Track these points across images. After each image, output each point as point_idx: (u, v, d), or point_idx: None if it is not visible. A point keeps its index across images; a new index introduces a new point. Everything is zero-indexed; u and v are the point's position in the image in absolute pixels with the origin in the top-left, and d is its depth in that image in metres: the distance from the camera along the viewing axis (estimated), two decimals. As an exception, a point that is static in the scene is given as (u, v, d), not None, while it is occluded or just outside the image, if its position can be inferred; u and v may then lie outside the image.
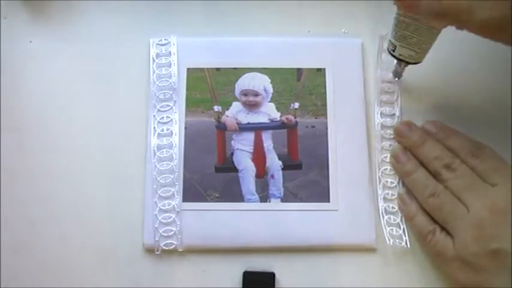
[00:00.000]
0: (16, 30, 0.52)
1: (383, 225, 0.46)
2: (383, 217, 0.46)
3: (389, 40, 0.45)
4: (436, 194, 0.43)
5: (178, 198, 0.46)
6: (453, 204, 0.42)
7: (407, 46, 0.44)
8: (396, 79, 0.49)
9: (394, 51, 0.45)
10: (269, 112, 0.49)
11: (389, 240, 0.45)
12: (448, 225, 0.42)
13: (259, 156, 0.48)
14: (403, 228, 0.45)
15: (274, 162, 0.48)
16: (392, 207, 0.46)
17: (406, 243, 0.45)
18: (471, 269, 0.40)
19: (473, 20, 0.37)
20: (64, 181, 0.47)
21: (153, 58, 0.50)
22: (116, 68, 0.50)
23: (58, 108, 0.49)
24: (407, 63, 0.46)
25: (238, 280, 0.44)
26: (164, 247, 0.45)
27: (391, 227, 0.46)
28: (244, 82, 0.50)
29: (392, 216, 0.46)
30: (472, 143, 0.44)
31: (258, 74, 0.50)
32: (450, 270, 0.42)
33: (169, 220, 0.46)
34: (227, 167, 0.47)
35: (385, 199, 0.46)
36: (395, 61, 0.47)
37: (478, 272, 0.39)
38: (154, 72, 0.50)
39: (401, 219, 0.46)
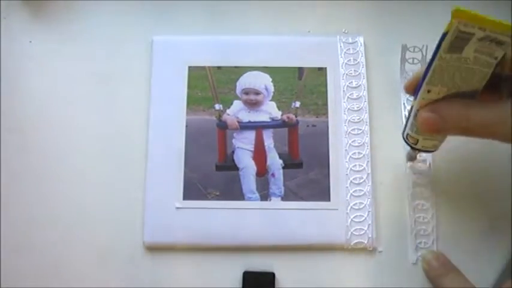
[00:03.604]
0: (16, 30, 0.51)
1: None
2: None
3: (408, 133, 0.41)
4: None
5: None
6: None
7: (432, 138, 0.41)
8: (411, 163, 0.47)
9: (416, 144, 0.42)
10: (270, 111, 0.49)
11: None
12: None
13: (260, 155, 0.48)
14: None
15: (274, 161, 0.47)
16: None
17: None
18: None
19: (505, 131, 0.37)
20: (64, 180, 0.47)
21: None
22: (116, 67, 0.50)
23: (58, 108, 0.49)
24: (429, 152, 0.43)
25: (238, 280, 0.44)
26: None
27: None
28: (246, 81, 0.50)
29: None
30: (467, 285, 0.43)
31: (260, 73, 0.50)
32: None
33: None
34: (228, 165, 0.47)
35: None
36: (407, 147, 0.44)
37: None
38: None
39: (433, 242, 0.46)
